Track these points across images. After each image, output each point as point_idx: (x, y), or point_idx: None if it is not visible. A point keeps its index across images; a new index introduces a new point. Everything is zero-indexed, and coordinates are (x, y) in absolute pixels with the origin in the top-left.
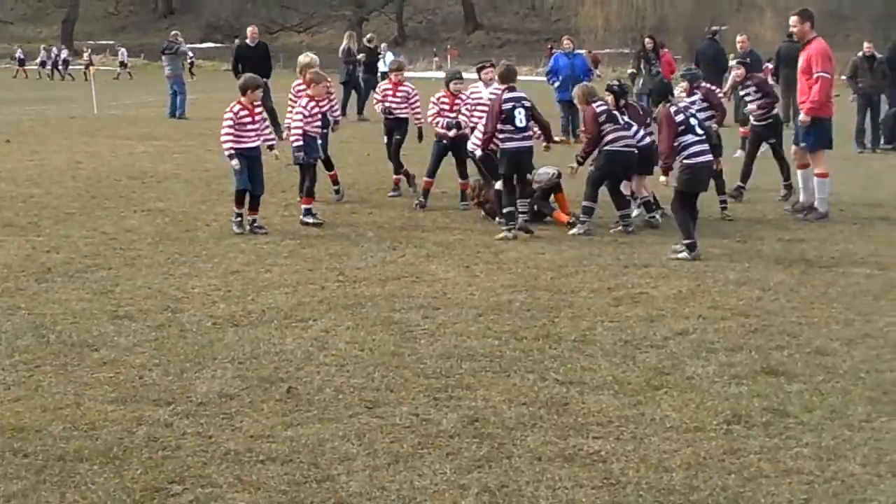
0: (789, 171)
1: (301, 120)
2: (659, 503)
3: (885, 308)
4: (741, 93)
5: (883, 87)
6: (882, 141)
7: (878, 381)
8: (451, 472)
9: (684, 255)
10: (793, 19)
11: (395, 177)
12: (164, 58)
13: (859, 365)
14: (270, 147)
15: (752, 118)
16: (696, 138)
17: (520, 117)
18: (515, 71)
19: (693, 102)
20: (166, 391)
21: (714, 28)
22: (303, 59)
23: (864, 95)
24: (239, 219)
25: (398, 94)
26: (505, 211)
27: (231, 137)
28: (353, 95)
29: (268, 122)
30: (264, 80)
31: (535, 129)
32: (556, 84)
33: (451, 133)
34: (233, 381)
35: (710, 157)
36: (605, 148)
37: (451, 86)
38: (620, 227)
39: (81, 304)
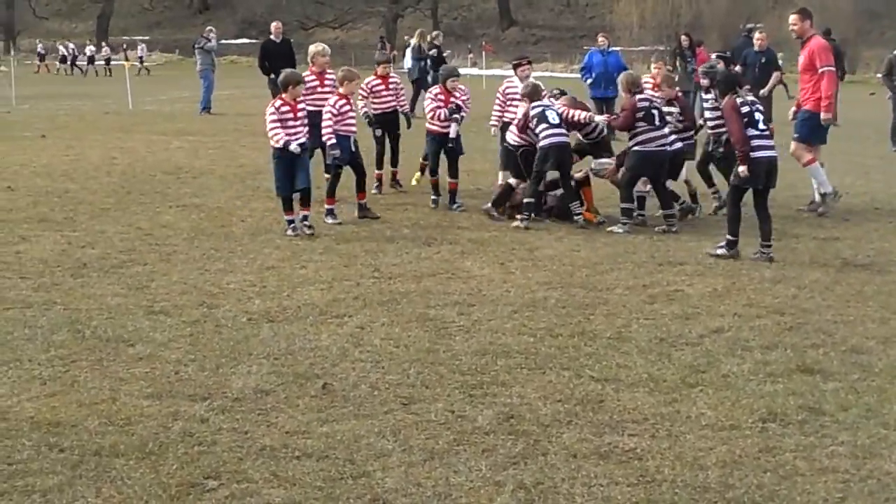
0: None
1: (331, 119)
2: (694, 501)
3: None
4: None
5: None
6: None
7: None
8: (486, 468)
9: (722, 250)
10: (793, 17)
11: (378, 172)
12: (196, 53)
13: (895, 363)
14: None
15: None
16: (758, 132)
17: (552, 116)
18: (540, 90)
19: (706, 100)
20: (202, 386)
21: (749, 25)
22: (314, 48)
23: None
24: (292, 224)
25: (390, 87)
26: (526, 201)
27: (279, 130)
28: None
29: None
30: None
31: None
32: (590, 81)
33: (453, 129)
34: (268, 376)
35: (771, 152)
36: (636, 148)
37: (448, 83)
38: (664, 227)
39: (117, 299)
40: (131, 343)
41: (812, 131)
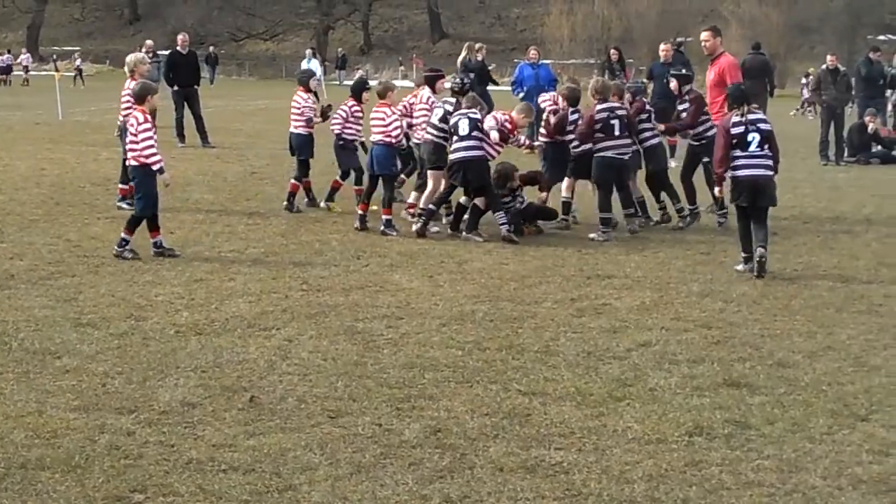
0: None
1: (340, 122)
2: None
3: (847, 320)
4: (679, 108)
5: (846, 100)
6: (846, 154)
7: (840, 393)
8: (413, 482)
9: (741, 266)
10: (705, 34)
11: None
12: None
13: (821, 377)
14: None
15: (689, 137)
16: (745, 154)
17: (463, 127)
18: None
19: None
20: (129, 399)
21: (679, 39)
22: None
23: (828, 108)
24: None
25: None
26: (429, 206)
27: (156, 149)
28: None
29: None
30: (194, 86)
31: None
32: (521, 95)
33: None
34: (195, 389)
35: (756, 171)
36: (596, 156)
37: (311, 83)
38: (631, 226)
39: (44, 311)
40: (58, 355)
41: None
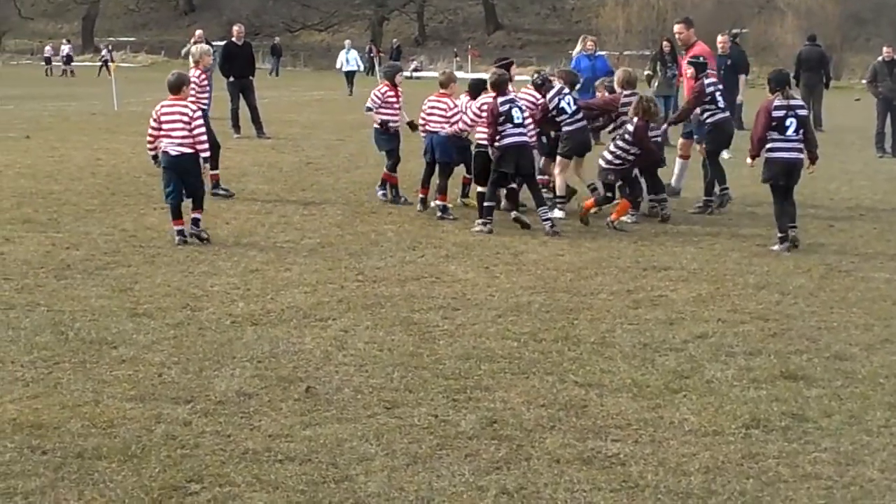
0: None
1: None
2: None
3: None
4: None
5: None
6: None
7: None
8: (469, 473)
9: (776, 246)
10: (678, 27)
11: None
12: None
13: (878, 370)
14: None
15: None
16: (781, 137)
17: (517, 115)
18: (506, 80)
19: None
20: (185, 389)
21: (735, 31)
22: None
23: (884, 100)
24: (181, 233)
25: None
26: (486, 205)
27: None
28: None
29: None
30: (249, 77)
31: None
32: (577, 86)
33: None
34: (251, 379)
35: (790, 154)
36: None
37: (396, 78)
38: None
39: (101, 301)
40: (114, 345)
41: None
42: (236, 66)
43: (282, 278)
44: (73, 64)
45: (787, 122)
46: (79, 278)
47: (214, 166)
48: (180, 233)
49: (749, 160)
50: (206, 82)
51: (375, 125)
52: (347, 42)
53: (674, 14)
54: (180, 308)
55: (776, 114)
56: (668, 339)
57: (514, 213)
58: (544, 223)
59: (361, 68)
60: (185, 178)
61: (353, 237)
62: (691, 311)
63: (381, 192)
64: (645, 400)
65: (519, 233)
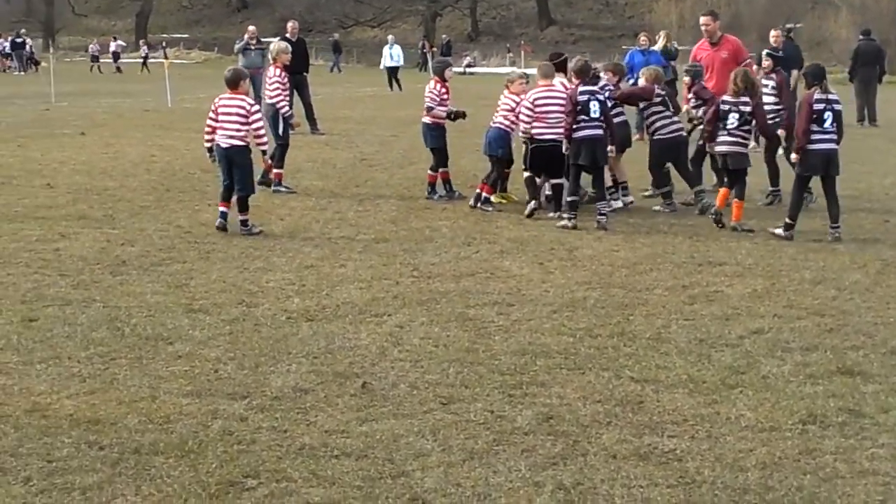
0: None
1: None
2: (734, 502)
3: None
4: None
5: None
6: None
7: None
8: (525, 469)
9: (780, 231)
10: (705, 19)
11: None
12: (240, 57)
13: None
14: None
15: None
16: (820, 129)
17: (594, 109)
18: (590, 66)
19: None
20: (241, 385)
21: (788, 26)
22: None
23: None
24: (223, 213)
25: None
26: (570, 200)
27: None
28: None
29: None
30: (303, 73)
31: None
32: (632, 82)
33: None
34: (307, 375)
35: (828, 145)
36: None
37: (446, 73)
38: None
39: (156, 297)
40: (170, 341)
41: None
42: (291, 62)
43: (337, 274)
44: (121, 61)
45: (825, 115)
46: (134, 274)
47: (280, 164)
48: (221, 215)
49: (794, 155)
50: (286, 79)
51: (426, 121)
52: (391, 37)
53: (727, 9)
54: (236, 304)
55: (816, 107)
56: (724, 335)
57: (532, 204)
58: (599, 217)
59: (401, 62)
60: (234, 170)
61: (407, 233)
62: (747, 306)
63: (436, 196)
64: (701, 396)
65: (574, 229)
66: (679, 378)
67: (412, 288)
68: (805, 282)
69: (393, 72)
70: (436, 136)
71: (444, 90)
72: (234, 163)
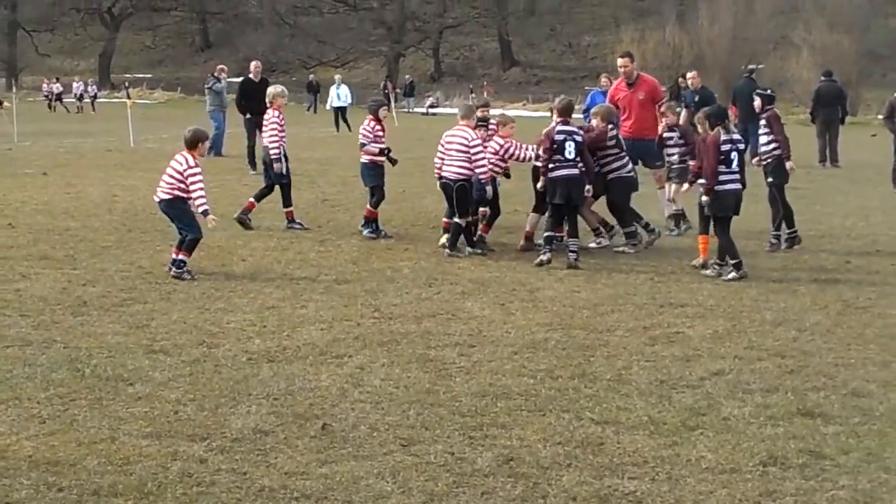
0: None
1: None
2: None
3: None
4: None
5: None
6: None
7: None
8: None
9: (733, 274)
10: (622, 60)
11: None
12: (205, 93)
13: None
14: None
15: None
16: (728, 170)
17: (569, 149)
18: (573, 106)
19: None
20: (201, 426)
21: (751, 66)
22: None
23: None
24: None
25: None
26: (546, 235)
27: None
28: None
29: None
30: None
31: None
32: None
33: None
34: (268, 417)
35: (738, 186)
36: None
37: (380, 112)
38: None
39: (117, 337)
40: (131, 382)
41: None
42: (254, 102)
43: (298, 315)
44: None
45: (732, 156)
46: (95, 315)
47: (287, 203)
48: (173, 262)
49: (705, 197)
50: (283, 122)
51: (364, 160)
52: (338, 77)
53: (689, 50)
54: (196, 345)
55: (724, 147)
56: (685, 376)
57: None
58: (570, 254)
59: (348, 102)
60: (174, 221)
61: (368, 274)
62: (708, 347)
63: (367, 231)
64: (662, 437)
65: (535, 269)
66: (640, 419)
67: (373, 329)
68: (766, 323)
69: (341, 112)
70: (374, 175)
71: (378, 128)
72: (170, 216)
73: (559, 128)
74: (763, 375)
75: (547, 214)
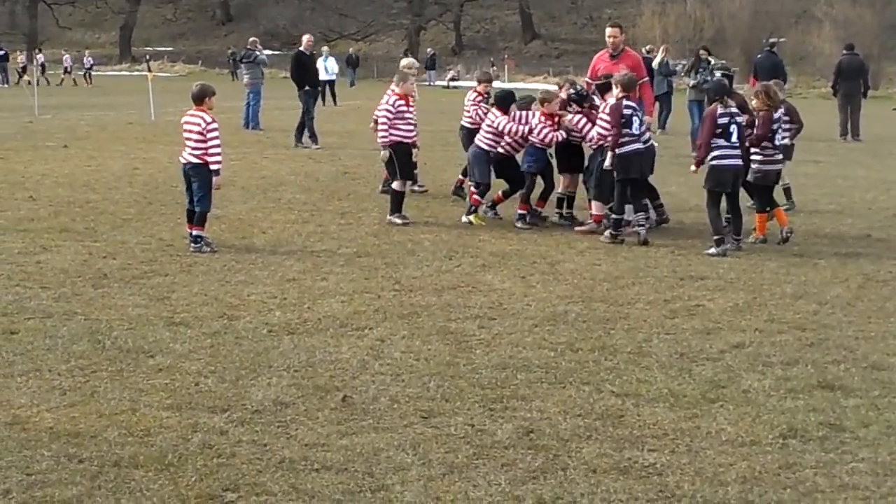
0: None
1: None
2: None
3: None
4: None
5: None
6: None
7: None
8: (505, 483)
9: (713, 250)
10: (612, 30)
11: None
12: (242, 66)
13: None
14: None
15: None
16: (727, 144)
17: (636, 124)
18: (635, 81)
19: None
20: (221, 398)
21: (772, 40)
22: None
23: None
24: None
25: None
26: (615, 217)
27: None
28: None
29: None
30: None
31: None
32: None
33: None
34: (288, 389)
35: (736, 161)
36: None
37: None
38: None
39: (137, 310)
40: (151, 354)
41: None
42: (310, 75)
43: (318, 287)
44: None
45: (731, 129)
46: (116, 287)
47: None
48: (191, 238)
49: (693, 167)
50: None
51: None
52: (325, 49)
53: (710, 24)
54: (217, 317)
55: (721, 121)
56: (705, 349)
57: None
58: (638, 228)
59: (335, 75)
60: (192, 186)
61: (389, 246)
62: (728, 320)
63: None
64: (682, 410)
65: (556, 242)
66: (660, 392)
67: (394, 301)
68: (786, 296)
69: (329, 85)
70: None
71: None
72: (192, 179)
73: (626, 102)
74: (783, 348)
75: (617, 192)
